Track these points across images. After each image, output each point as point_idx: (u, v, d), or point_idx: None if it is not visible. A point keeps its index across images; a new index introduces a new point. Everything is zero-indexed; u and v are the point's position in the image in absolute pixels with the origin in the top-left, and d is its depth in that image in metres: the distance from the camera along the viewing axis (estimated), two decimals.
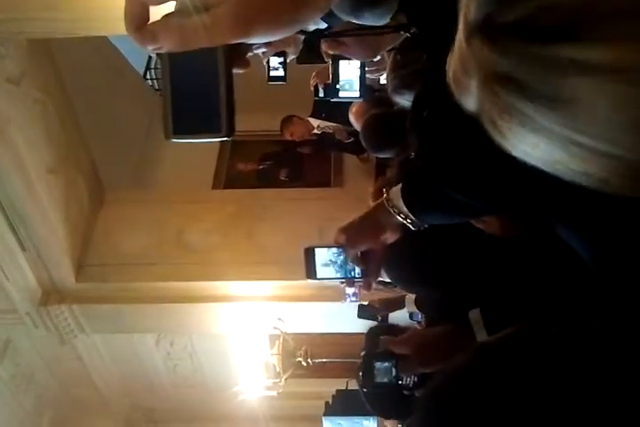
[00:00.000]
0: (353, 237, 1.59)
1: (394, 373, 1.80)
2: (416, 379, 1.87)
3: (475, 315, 1.57)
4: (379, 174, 5.48)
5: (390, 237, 1.57)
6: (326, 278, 1.76)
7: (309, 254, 1.73)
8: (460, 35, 0.57)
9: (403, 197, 1.49)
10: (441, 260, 1.79)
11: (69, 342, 5.96)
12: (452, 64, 0.60)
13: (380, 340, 1.98)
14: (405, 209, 1.49)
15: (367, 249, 1.61)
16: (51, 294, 5.54)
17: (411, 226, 1.51)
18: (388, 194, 1.52)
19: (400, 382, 1.84)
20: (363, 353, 1.94)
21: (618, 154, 0.53)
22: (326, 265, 1.73)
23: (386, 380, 1.82)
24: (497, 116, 0.57)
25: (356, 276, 1.70)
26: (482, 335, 1.53)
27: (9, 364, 6.06)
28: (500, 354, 0.87)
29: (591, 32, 0.48)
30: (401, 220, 1.50)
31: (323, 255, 1.73)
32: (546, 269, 1.56)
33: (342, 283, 1.78)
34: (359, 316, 4.56)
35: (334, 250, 1.69)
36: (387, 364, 1.80)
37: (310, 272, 1.75)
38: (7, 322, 5.74)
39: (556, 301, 1.41)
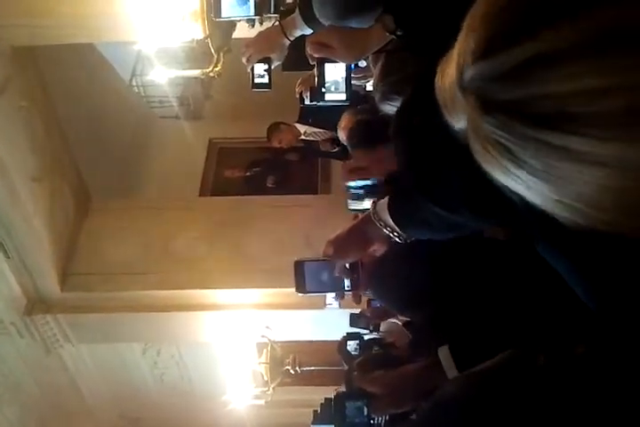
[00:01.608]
0: (341, 249, 1.59)
1: (365, 412, 1.77)
2: (387, 418, 1.84)
3: (444, 352, 1.52)
4: None
5: (379, 249, 1.57)
6: (316, 292, 1.76)
7: (299, 268, 1.72)
8: (453, 68, 0.59)
9: (389, 211, 1.48)
10: (423, 283, 1.75)
11: (55, 351, 5.91)
12: (443, 88, 0.63)
13: (353, 377, 1.94)
14: (392, 222, 1.48)
15: (356, 261, 1.60)
16: (36, 304, 5.48)
17: (397, 239, 1.50)
18: (374, 207, 1.51)
19: (372, 422, 1.81)
20: (334, 394, 1.90)
21: (586, 211, 0.59)
22: (315, 279, 1.71)
23: (357, 420, 1.79)
24: (483, 156, 0.61)
25: (346, 289, 1.68)
26: (452, 373, 1.48)
27: None
28: (489, 385, 0.87)
29: (581, 126, 0.53)
30: (387, 233, 1.49)
31: (312, 269, 1.71)
32: (526, 296, 1.53)
33: (334, 297, 1.78)
34: (351, 325, 4.55)
35: (323, 263, 1.68)
36: (359, 403, 1.77)
37: (300, 286, 1.73)
38: None
39: (537, 328, 1.38)
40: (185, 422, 6.85)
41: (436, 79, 0.64)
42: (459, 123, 0.62)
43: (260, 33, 2.19)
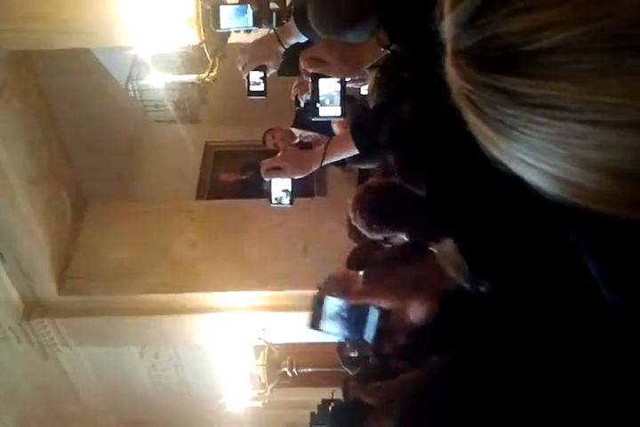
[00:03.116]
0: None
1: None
2: None
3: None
4: (361, 183, 5.49)
5: None
6: (329, 333, 1.62)
7: (320, 302, 1.59)
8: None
9: None
10: None
11: (53, 355, 5.91)
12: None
13: (350, 387, 1.93)
14: None
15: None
16: (33, 308, 5.48)
17: None
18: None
19: None
20: (332, 405, 1.88)
21: (573, 181, 0.55)
22: (333, 318, 1.59)
23: None
24: (465, 114, 0.58)
25: (363, 339, 1.53)
26: None
27: None
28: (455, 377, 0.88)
29: (529, 67, 0.50)
30: None
31: (333, 305, 1.58)
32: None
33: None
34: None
35: (344, 302, 1.55)
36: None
37: (314, 322, 1.62)
38: None
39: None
40: (183, 424, 6.87)
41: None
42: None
43: (256, 41, 2.21)
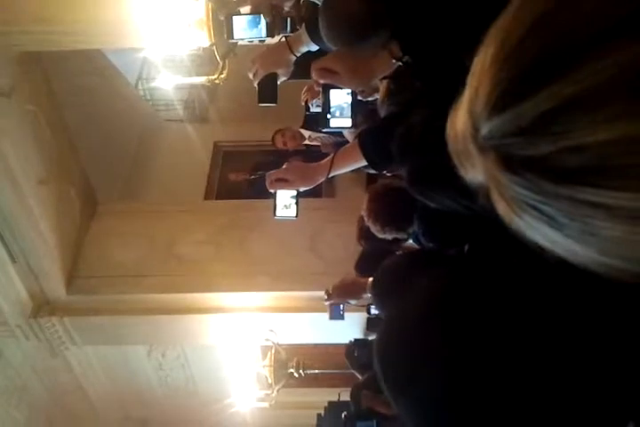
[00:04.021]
0: None
1: None
2: None
3: None
4: (370, 184, 5.50)
5: None
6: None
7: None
8: (465, 120, 0.53)
9: None
10: None
11: (61, 353, 5.94)
12: (455, 139, 0.56)
13: (362, 396, 1.93)
14: None
15: None
16: (42, 306, 5.52)
17: None
18: None
19: None
20: (344, 413, 1.89)
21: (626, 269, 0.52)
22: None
23: None
24: (511, 218, 0.55)
25: None
26: None
27: (0, 376, 6.03)
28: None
29: (616, 179, 0.46)
30: None
31: None
32: None
33: None
34: (368, 329, 4.57)
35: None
36: (369, 423, 1.76)
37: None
38: None
39: None
40: (189, 423, 6.88)
41: (447, 129, 0.57)
42: (475, 177, 0.55)
43: (267, 49, 2.20)
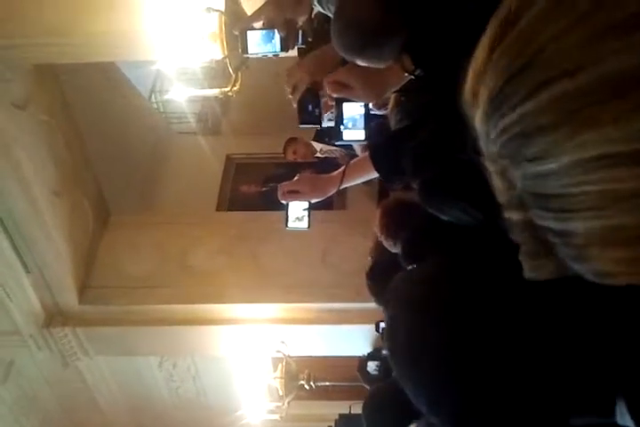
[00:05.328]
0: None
1: None
2: None
3: None
4: (382, 197, 5.49)
5: None
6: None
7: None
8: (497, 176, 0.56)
9: None
10: None
11: (72, 364, 5.96)
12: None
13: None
14: None
15: None
16: (54, 317, 5.54)
17: None
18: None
19: None
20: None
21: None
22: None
23: None
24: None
25: None
26: None
27: (12, 386, 6.05)
28: None
29: None
30: None
31: None
32: None
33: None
34: (377, 330, 4.57)
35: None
36: None
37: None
38: (10, 344, 5.74)
39: None
40: None
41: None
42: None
43: (313, 55, 2.11)
